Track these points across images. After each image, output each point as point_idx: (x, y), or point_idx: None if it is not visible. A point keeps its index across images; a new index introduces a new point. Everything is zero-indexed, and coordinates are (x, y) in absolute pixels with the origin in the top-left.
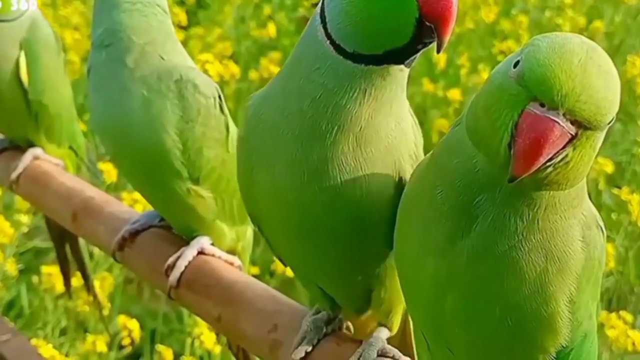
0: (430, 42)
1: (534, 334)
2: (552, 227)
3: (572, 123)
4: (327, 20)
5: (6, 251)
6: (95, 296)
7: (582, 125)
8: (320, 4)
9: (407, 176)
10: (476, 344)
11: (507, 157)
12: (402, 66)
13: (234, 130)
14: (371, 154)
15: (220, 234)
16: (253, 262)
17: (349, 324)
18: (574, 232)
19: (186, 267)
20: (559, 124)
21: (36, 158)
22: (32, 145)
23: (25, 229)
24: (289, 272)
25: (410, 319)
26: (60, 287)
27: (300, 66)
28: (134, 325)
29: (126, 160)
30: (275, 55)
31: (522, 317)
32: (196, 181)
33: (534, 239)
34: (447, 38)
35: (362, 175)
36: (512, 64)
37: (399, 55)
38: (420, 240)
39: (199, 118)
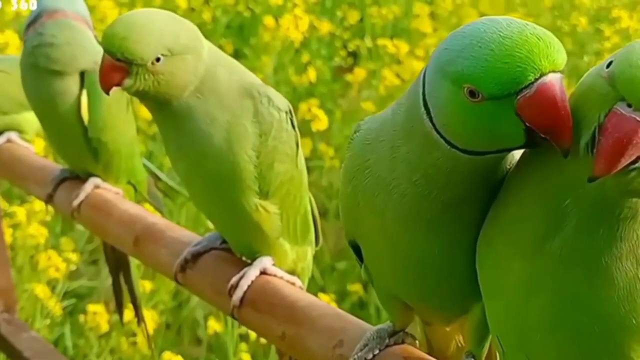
0: None
1: (621, 342)
2: None
3: None
4: (432, 115)
5: (55, 289)
6: (145, 327)
7: None
8: (420, 86)
9: None
10: (558, 353)
11: (586, 156)
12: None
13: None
14: None
15: (282, 254)
16: None
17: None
18: None
19: (249, 286)
20: None
21: (97, 187)
22: (92, 175)
23: (73, 267)
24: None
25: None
26: (105, 326)
27: (411, 138)
28: None
29: (199, 180)
30: (314, 101)
31: (610, 325)
32: (265, 195)
33: (624, 246)
34: (568, 145)
35: None
36: (606, 65)
37: (521, 147)
38: (506, 242)
39: (272, 131)
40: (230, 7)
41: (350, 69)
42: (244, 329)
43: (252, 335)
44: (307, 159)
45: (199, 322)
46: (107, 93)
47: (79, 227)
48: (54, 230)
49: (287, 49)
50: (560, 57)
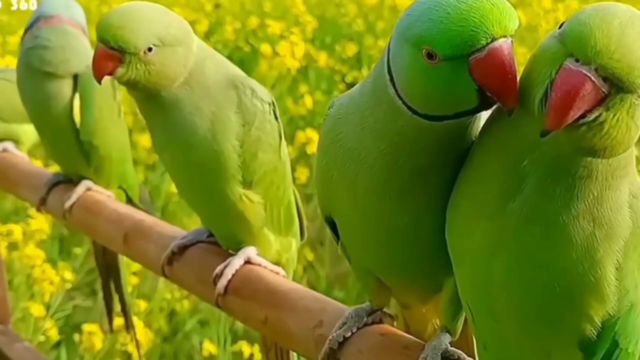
0: None
1: (581, 300)
2: (598, 195)
3: (604, 81)
4: (395, 81)
5: (50, 309)
6: (134, 333)
7: (615, 85)
8: (386, 55)
9: None
10: (522, 312)
11: (540, 114)
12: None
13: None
14: None
15: (267, 244)
16: None
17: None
18: (622, 200)
19: (233, 275)
20: (590, 78)
21: (89, 189)
22: (84, 178)
23: (68, 286)
24: None
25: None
26: (99, 345)
27: (377, 108)
28: None
29: (184, 170)
30: (310, 130)
31: (569, 283)
32: (249, 185)
33: (581, 205)
34: (513, 105)
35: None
36: (559, 26)
37: (474, 111)
38: (471, 205)
39: (255, 121)
40: (230, 42)
41: None
42: (237, 347)
43: (246, 353)
44: (304, 186)
45: (195, 346)
46: (100, 82)
47: (76, 251)
48: (51, 255)
49: (285, 77)
50: (512, 23)
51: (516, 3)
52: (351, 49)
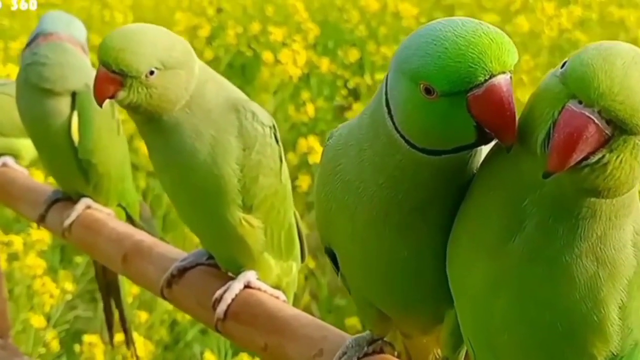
0: None
1: (584, 340)
2: (601, 234)
3: (608, 123)
4: (392, 114)
5: (51, 321)
6: (134, 349)
7: (619, 127)
8: (384, 87)
9: None
10: (523, 350)
11: (542, 154)
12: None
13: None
14: None
15: (267, 268)
16: None
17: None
18: (626, 239)
19: (233, 299)
20: (593, 121)
21: (88, 207)
22: (83, 196)
23: (69, 297)
24: None
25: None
26: (100, 356)
27: (376, 141)
28: None
29: (184, 193)
30: (312, 138)
31: (572, 322)
32: (249, 209)
33: (584, 245)
34: (511, 142)
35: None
36: (561, 65)
37: (473, 146)
38: (471, 240)
39: (256, 145)
40: (232, 47)
41: (350, 108)
42: (238, 359)
43: None
44: (306, 195)
45: (196, 356)
46: (101, 105)
47: (77, 259)
48: (52, 263)
49: (287, 85)
50: (511, 58)
51: (519, 9)
52: (353, 55)
